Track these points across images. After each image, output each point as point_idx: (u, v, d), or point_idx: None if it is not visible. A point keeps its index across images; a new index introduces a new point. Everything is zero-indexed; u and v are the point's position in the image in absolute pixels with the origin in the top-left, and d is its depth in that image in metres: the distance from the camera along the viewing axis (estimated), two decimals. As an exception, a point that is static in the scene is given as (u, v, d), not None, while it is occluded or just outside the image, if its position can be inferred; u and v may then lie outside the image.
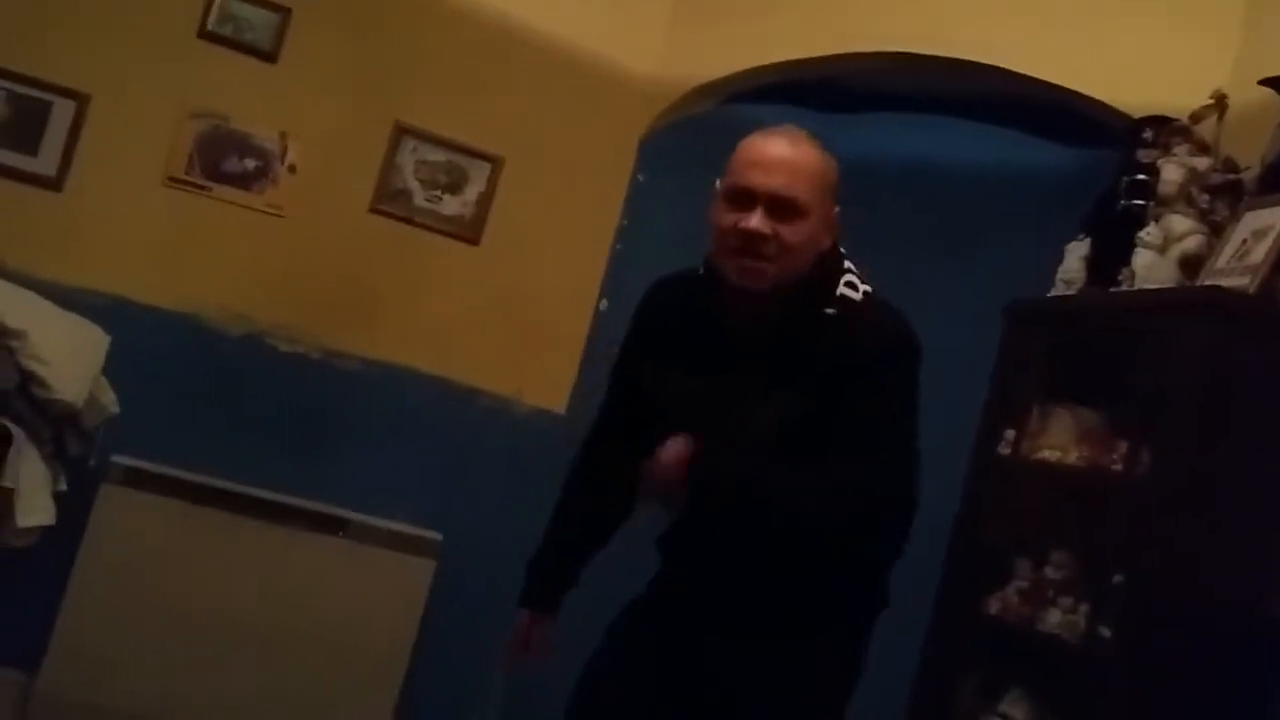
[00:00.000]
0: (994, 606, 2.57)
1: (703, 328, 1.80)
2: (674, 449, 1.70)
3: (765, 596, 1.78)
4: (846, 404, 1.65)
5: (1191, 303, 2.26)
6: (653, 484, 1.73)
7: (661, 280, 1.95)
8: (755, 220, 1.65)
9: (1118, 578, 2.24)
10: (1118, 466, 2.35)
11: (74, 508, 2.82)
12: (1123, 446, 2.35)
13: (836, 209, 1.74)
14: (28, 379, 2.58)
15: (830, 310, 1.70)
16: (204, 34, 3.15)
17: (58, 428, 2.72)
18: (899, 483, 1.70)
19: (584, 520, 2.01)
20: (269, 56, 3.20)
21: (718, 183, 1.74)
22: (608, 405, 2.02)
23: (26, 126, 3.01)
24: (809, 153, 1.71)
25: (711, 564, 1.83)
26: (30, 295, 2.75)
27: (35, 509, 2.60)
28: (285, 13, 3.20)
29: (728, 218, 1.69)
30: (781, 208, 1.66)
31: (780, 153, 1.69)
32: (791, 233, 1.67)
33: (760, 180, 1.67)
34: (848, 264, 1.76)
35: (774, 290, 1.69)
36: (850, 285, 1.73)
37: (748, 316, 1.74)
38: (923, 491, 1.74)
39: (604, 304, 3.47)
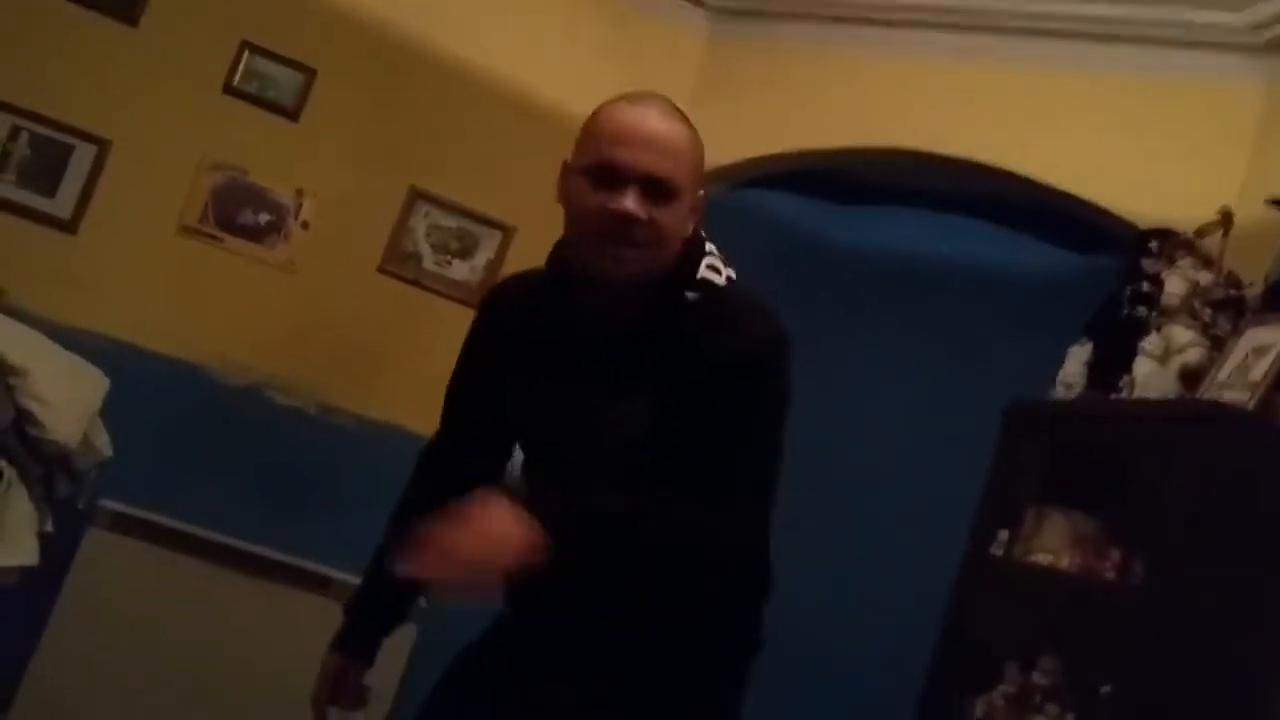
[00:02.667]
0: (980, 709, 2.53)
1: (551, 327, 1.61)
2: (492, 521, 1.36)
3: (617, 636, 1.58)
4: (716, 407, 1.49)
5: (1191, 415, 2.27)
6: (454, 565, 1.35)
7: (501, 283, 1.81)
8: (630, 202, 1.47)
9: (1106, 688, 2.22)
10: (1111, 574, 2.33)
11: (59, 550, 2.79)
12: (1116, 555, 2.34)
13: (702, 192, 1.58)
14: (23, 417, 2.58)
15: (691, 295, 1.54)
16: (229, 89, 3.20)
17: (49, 468, 2.71)
18: (766, 506, 1.54)
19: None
20: (291, 115, 3.25)
21: (566, 158, 1.58)
22: (442, 427, 1.82)
23: (46, 168, 3.05)
24: (682, 129, 1.54)
25: (540, 610, 1.61)
26: (34, 334, 2.76)
27: (19, 548, 2.58)
28: (310, 73, 3.26)
29: (593, 198, 1.49)
30: (655, 189, 1.48)
31: (655, 128, 1.50)
32: (666, 217, 1.49)
33: (633, 158, 1.48)
34: (710, 247, 1.60)
35: (636, 279, 1.52)
36: (713, 269, 1.57)
37: (602, 310, 1.56)
38: (776, 503, 1.58)
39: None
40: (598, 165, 1.50)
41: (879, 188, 3.61)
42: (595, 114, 1.57)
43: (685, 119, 1.56)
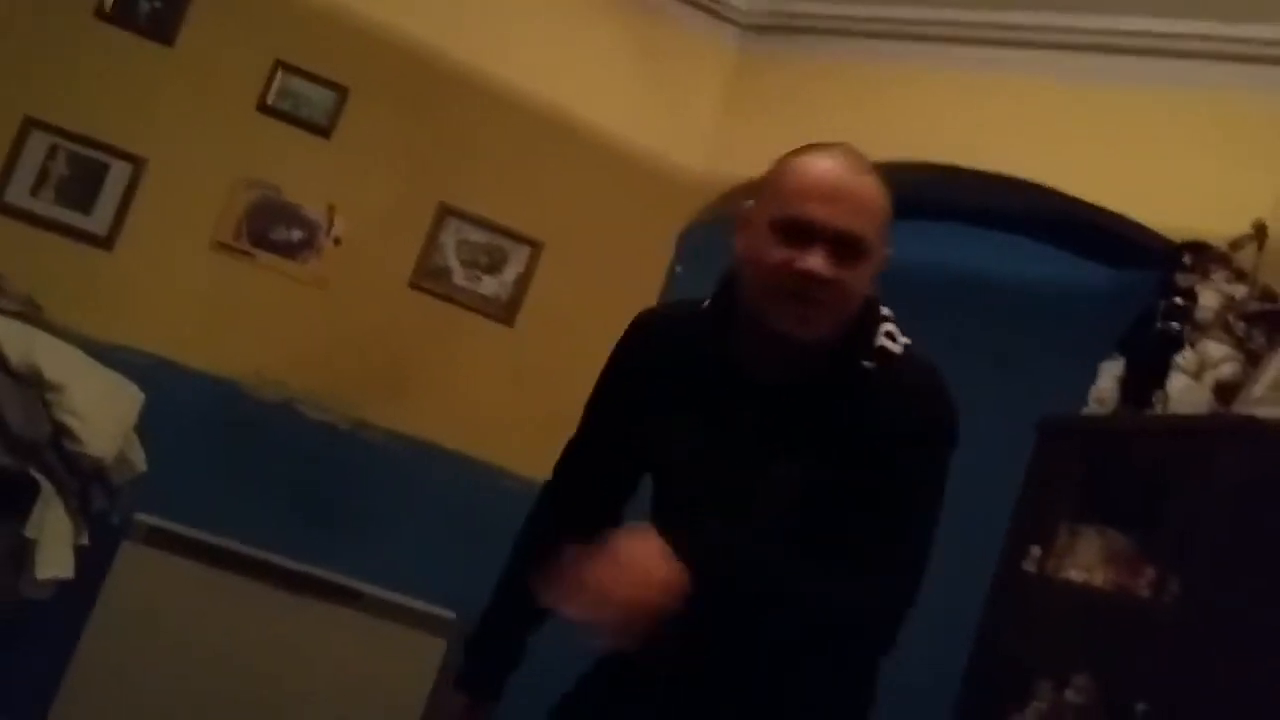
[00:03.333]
0: (1012, 727, 2.51)
1: (711, 374, 1.55)
2: (642, 556, 1.33)
3: (749, 693, 1.54)
4: (887, 478, 1.46)
5: (1227, 430, 2.24)
6: (609, 604, 1.32)
7: (652, 315, 1.72)
8: (817, 261, 1.40)
9: (1141, 707, 2.19)
10: (1145, 592, 2.31)
11: (94, 563, 2.82)
12: (1151, 572, 2.32)
13: (889, 251, 1.51)
14: (60, 431, 2.61)
15: (867, 363, 1.49)
16: (263, 107, 3.24)
17: (85, 482, 2.74)
18: (919, 576, 1.50)
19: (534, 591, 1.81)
20: (324, 132, 3.28)
21: (750, 204, 1.51)
22: (574, 455, 1.76)
23: (83, 185, 3.09)
24: (873, 184, 1.46)
25: (679, 653, 1.51)
26: (71, 349, 2.79)
27: (55, 561, 2.61)
28: (343, 92, 3.29)
29: (778, 253, 1.42)
30: (846, 248, 1.42)
31: (849, 182, 1.44)
32: (853, 277, 1.43)
33: (824, 215, 1.41)
34: (885, 311, 1.54)
35: (818, 340, 1.46)
36: (889, 336, 1.51)
37: (774, 366, 1.50)
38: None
39: (634, 393, 3.47)
40: (787, 220, 1.43)
41: (910, 202, 3.59)
42: (783, 163, 1.50)
43: (876, 172, 1.48)
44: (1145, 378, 2.53)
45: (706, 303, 1.60)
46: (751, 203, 1.52)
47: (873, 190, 1.46)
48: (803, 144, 1.54)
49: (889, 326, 1.53)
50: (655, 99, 3.63)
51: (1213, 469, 2.22)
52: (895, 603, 1.49)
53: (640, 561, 1.33)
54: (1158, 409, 2.46)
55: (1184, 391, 2.41)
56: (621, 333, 1.72)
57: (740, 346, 1.53)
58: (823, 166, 1.46)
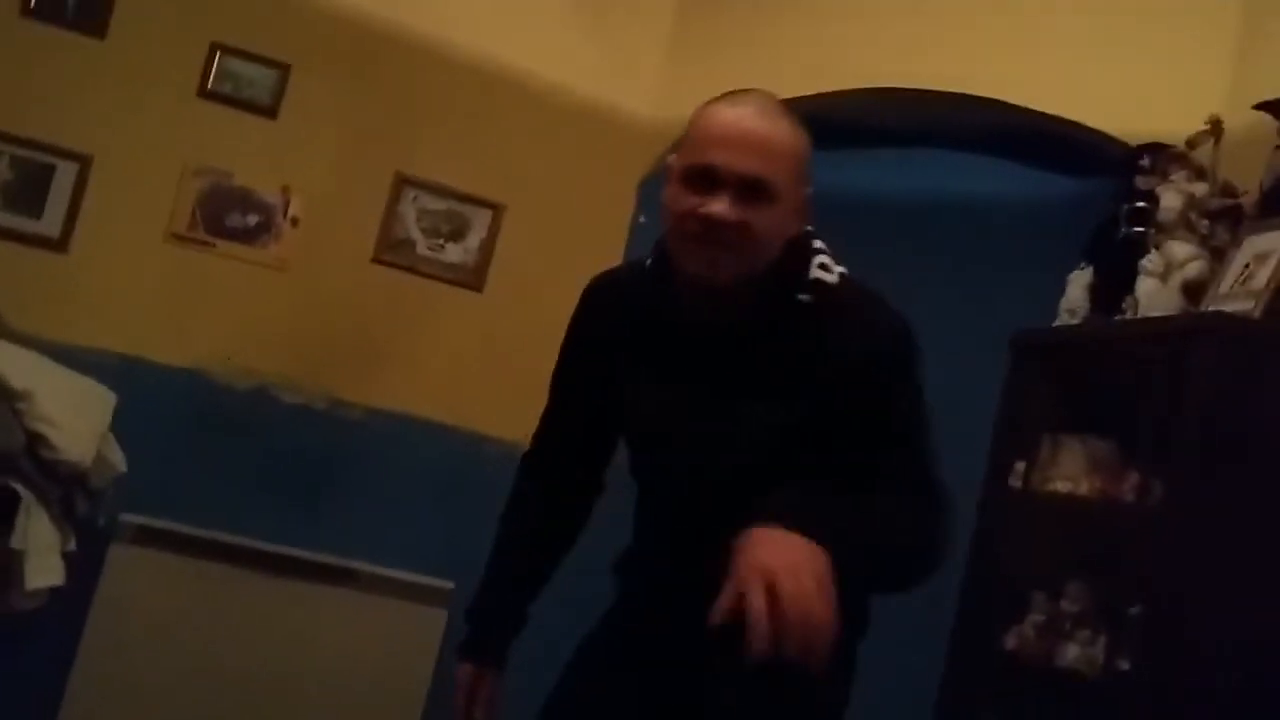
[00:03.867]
0: (1011, 641, 2.55)
1: (662, 327, 1.59)
2: (798, 564, 1.24)
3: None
4: (865, 406, 1.48)
5: (1197, 329, 2.26)
6: (801, 625, 1.20)
7: (601, 281, 1.74)
8: (721, 205, 1.44)
9: (1134, 609, 2.22)
10: (1130, 497, 2.33)
11: (84, 568, 2.80)
12: (1135, 477, 2.34)
13: (809, 190, 1.53)
14: (35, 440, 2.58)
15: (804, 296, 1.51)
16: (204, 93, 3.18)
17: (66, 488, 2.71)
18: (944, 484, 1.52)
19: (529, 554, 1.81)
20: (269, 112, 3.23)
21: (671, 159, 1.53)
22: (547, 427, 1.81)
23: (30, 189, 3.03)
24: (782, 127, 1.48)
25: (695, 591, 1.42)
26: (35, 356, 2.75)
27: (45, 569, 2.59)
28: (284, 69, 3.23)
29: (687, 200, 1.46)
30: (751, 191, 1.44)
31: (751, 127, 1.45)
32: (761, 220, 1.45)
33: (727, 160, 1.44)
34: (818, 244, 1.56)
35: (737, 281, 1.49)
36: (823, 267, 1.54)
37: (709, 312, 1.54)
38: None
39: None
40: (694, 168, 1.47)
41: (864, 130, 3.58)
42: (695, 115, 1.52)
43: (787, 116, 1.50)
44: (1114, 285, 2.54)
45: (649, 260, 1.63)
46: (674, 155, 1.54)
47: (780, 133, 1.47)
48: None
49: (822, 259, 1.55)
50: (601, 49, 3.59)
51: (1186, 369, 2.23)
52: (947, 515, 1.52)
53: (798, 566, 1.23)
54: (1128, 314, 2.48)
55: (1153, 295, 2.42)
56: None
57: (680, 298, 1.56)
58: (727, 114, 1.48)
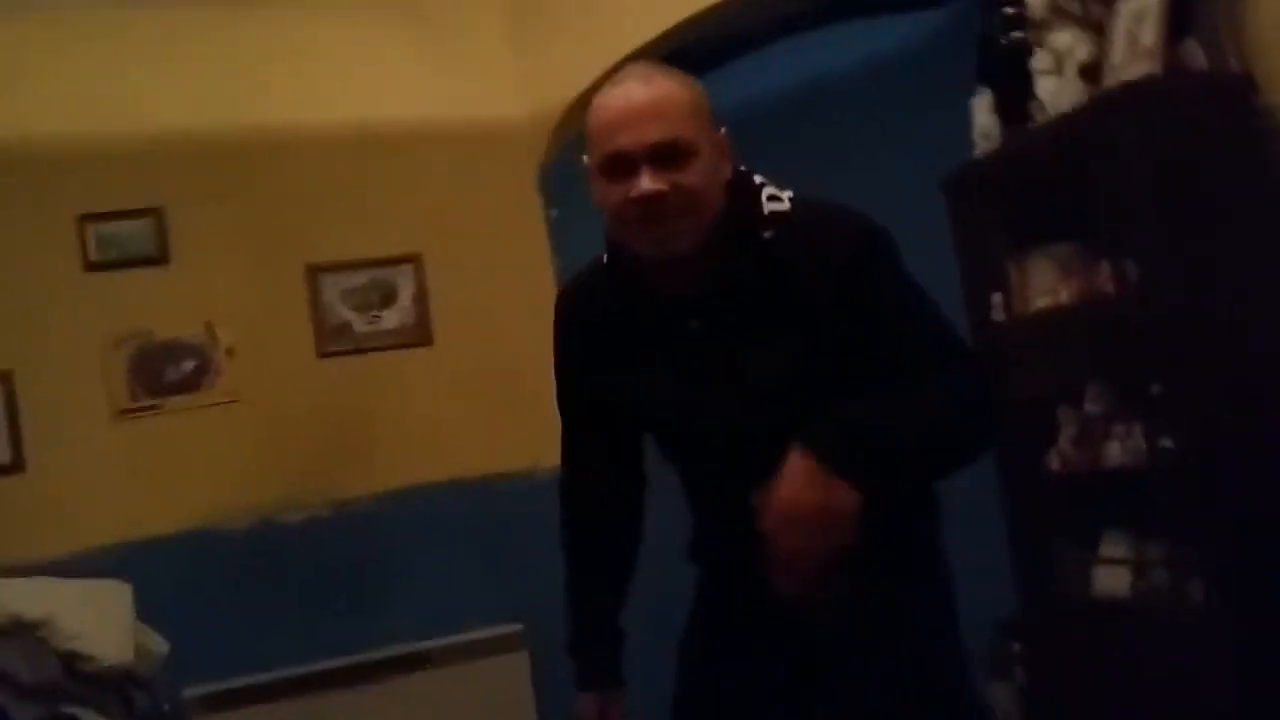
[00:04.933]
0: (1054, 462, 2.57)
1: (639, 315, 1.58)
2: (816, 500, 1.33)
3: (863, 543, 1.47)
4: (865, 308, 1.46)
5: (1110, 107, 2.27)
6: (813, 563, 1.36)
7: (568, 290, 1.74)
8: (646, 181, 1.42)
9: (1156, 388, 2.25)
10: (1109, 288, 2.35)
11: (169, 757, 2.78)
12: (1106, 267, 2.35)
13: (723, 130, 1.52)
14: (70, 660, 2.54)
15: (767, 233, 1.50)
16: (90, 266, 3.13)
17: (120, 690, 2.68)
18: (974, 353, 1.53)
19: (604, 573, 1.80)
20: (159, 260, 3.18)
21: (585, 159, 1.52)
22: (572, 438, 1.80)
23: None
24: (669, 86, 1.47)
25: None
26: (39, 580, 2.71)
27: (131, 775, 2.56)
28: (158, 212, 3.18)
29: (614, 191, 1.46)
30: (668, 156, 1.43)
31: (640, 99, 1.44)
32: (689, 177, 1.44)
33: (631, 138, 1.43)
34: (758, 179, 1.55)
35: (695, 246, 1.48)
36: (773, 198, 1.52)
37: (682, 283, 1.52)
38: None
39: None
40: (605, 160, 1.46)
41: (725, 43, 3.55)
42: (588, 111, 1.51)
43: (670, 73, 1.49)
44: (1015, 97, 2.54)
45: (605, 256, 1.63)
46: (585, 156, 1.53)
47: (668, 92, 1.46)
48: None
49: (769, 190, 1.53)
50: (452, 70, 3.55)
51: (1115, 149, 2.24)
52: (987, 383, 1.52)
53: (813, 504, 1.33)
54: (1039, 119, 2.48)
55: (1055, 92, 2.42)
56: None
57: (649, 281, 1.55)
58: (614, 97, 1.47)
